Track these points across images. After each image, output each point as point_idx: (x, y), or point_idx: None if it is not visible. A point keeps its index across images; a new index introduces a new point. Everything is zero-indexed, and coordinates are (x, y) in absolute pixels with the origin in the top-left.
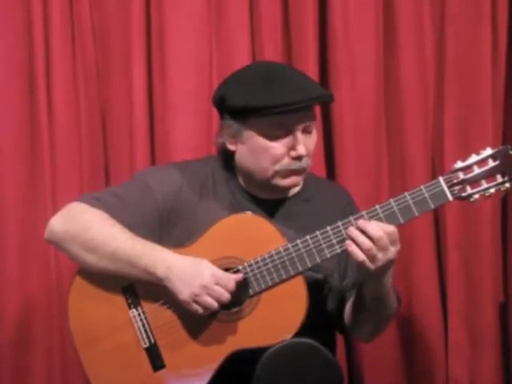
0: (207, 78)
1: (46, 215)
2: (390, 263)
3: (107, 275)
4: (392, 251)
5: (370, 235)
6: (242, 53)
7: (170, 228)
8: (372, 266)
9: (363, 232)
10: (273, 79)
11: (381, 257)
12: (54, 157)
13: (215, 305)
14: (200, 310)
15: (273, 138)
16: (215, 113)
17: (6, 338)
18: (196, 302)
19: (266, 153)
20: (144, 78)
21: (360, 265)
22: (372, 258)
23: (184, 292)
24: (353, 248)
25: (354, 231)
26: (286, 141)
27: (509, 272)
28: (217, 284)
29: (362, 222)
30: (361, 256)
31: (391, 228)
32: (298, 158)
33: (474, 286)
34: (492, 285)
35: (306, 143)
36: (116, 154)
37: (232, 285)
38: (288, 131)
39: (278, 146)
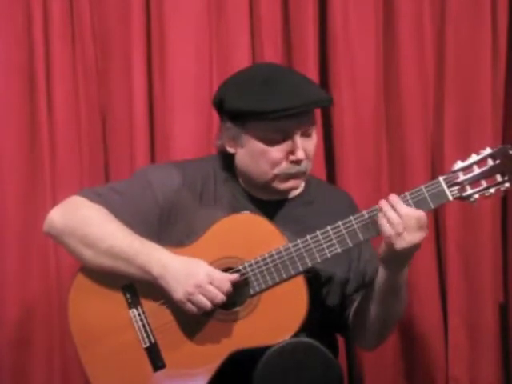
0: (207, 78)
1: (46, 215)
2: (414, 248)
3: (107, 274)
4: (418, 236)
5: (399, 213)
6: (242, 53)
7: (169, 226)
8: (397, 244)
9: (393, 208)
10: (271, 82)
11: (406, 236)
12: (54, 157)
13: (209, 305)
14: (194, 309)
15: (271, 142)
16: (215, 113)
17: (6, 337)
18: (190, 301)
19: (265, 157)
20: (144, 78)
21: (386, 240)
22: (398, 234)
23: (178, 291)
24: (383, 222)
25: (385, 205)
26: (285, 145)
27: (509, 272)
28: (211, 284)
29: (393, 199)
30: (389, 230)
31: (421, 212)
32: (297, 162)
33: (474, 286)
34: (492, 285)
35: (306, 147)
36: (116, 153)
37: (227, 286)
38: (287, 135)
39: (277, 151)
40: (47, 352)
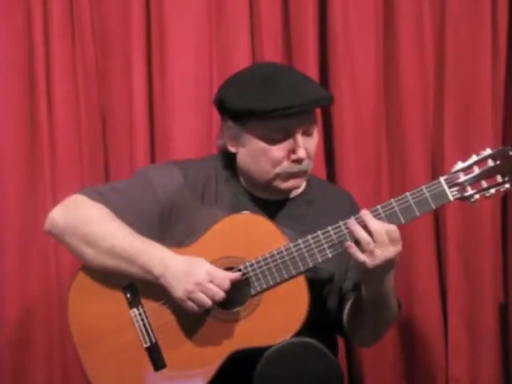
0: (207, 78)
1: (46, 216)
2: (389, 263)
3: (108, 273)
4: (391, 250)
5: (370, 229)
6: (242, 53)
7: (170, 225)
8: (371, 263)
9: (363, 226)
10: (272, 82)
11: (379, 254)
12: (54, 157)
13: (209, 302)
14: (194, 307)
15: (272, 141)
16: (215, 113)
17: (6, 337)
18: (190, 299)
19: (266, 156)
20: (144, 78)
21: (359, 264)
22: (370, 253)
23: (178, 289)
24: (353, 250)
25: (354, 224)
26: (286, 144)
27: (509, 272)
28: (211, 282)
29: (364, 215)
30: (361, 257)
31: (391, 226)
32: (298, 161)
33: (474, 286)
34: (492, 285)
35: (307, 146)
36: (116, 153)
37: (227, 284)
38: (288, 134)
39: (278, 150)
40: (47, 352)
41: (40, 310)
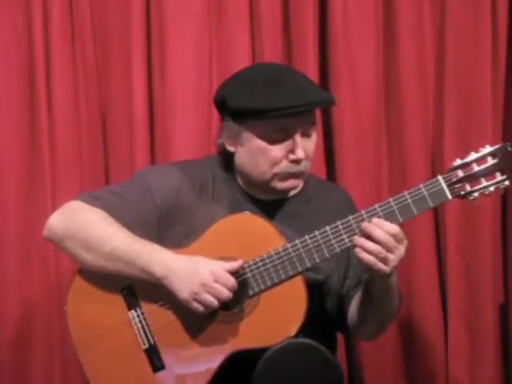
0: (207, 78)
1: (46, 216)
2: (401, 261)
3: (106, 275)
4: (401, 249)
5: (377, 240)
6: (242, 53)
7: (169, 227)
8: (386, 268)
9: (369, 237)
10: (274, 81)
11: (393, 257)
12: (54, 157)
13: (215, 302)
14: (200, 308)
15: (272, 140)
16: (215, 113)
17: (6, 337)
18: (196, 300)
19: (265, 155)
20: (144, 77)
21: (373, 268)
22: (384, 260)
23: (184, 290)
24: (363, 255)
25: (359, 240)
26: (285, 144)
27: (509, 272)
28: (216, 281)
29: (365, 227)
30: (372, 260)
31: (395, 228)
32: (297, 161)
33: (474, 286)
34: (492, 285)
35: (305, 147)
36: (116, 154)
37: (232, 282)
38: (287, 134)
39: (277, 149)
40: (47, 352)
41: (40, 310)
